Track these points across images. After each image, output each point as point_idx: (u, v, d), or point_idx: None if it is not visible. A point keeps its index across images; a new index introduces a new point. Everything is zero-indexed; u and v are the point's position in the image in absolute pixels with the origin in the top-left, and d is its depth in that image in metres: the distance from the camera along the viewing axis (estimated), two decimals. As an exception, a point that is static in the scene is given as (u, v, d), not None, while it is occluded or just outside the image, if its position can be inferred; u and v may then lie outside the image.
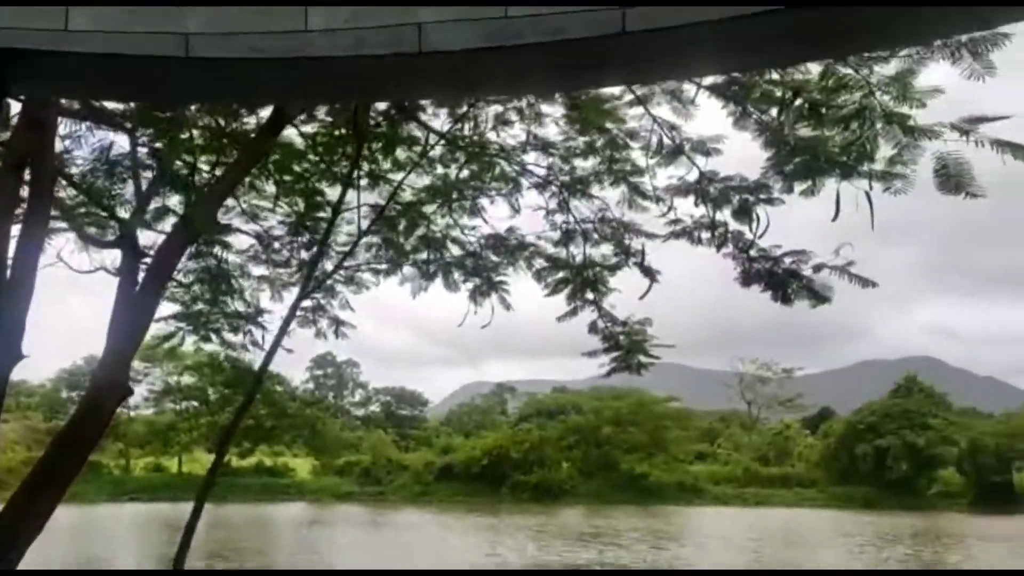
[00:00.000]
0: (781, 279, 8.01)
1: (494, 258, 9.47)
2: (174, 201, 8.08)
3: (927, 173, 6.33)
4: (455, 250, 9.54)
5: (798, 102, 6.81)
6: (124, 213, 7.60)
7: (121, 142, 7.62)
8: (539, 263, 9.42)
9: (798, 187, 7.44)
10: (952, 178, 6.15)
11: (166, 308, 8.74)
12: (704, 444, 79.45)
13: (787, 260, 7.98)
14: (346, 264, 9.11)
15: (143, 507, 47.73)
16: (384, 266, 9.45)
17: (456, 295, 9.60)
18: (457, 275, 9.54)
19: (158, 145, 7.76)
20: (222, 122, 8.07)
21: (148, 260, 7.22)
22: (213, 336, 9.36)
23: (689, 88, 7.23)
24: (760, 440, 74.10)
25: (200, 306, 9.29)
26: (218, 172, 8.20)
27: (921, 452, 61.58)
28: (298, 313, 9.13)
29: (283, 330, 8.36)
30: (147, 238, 7.78)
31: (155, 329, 8.92)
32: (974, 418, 71.07)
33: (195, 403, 65.89)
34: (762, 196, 7.83)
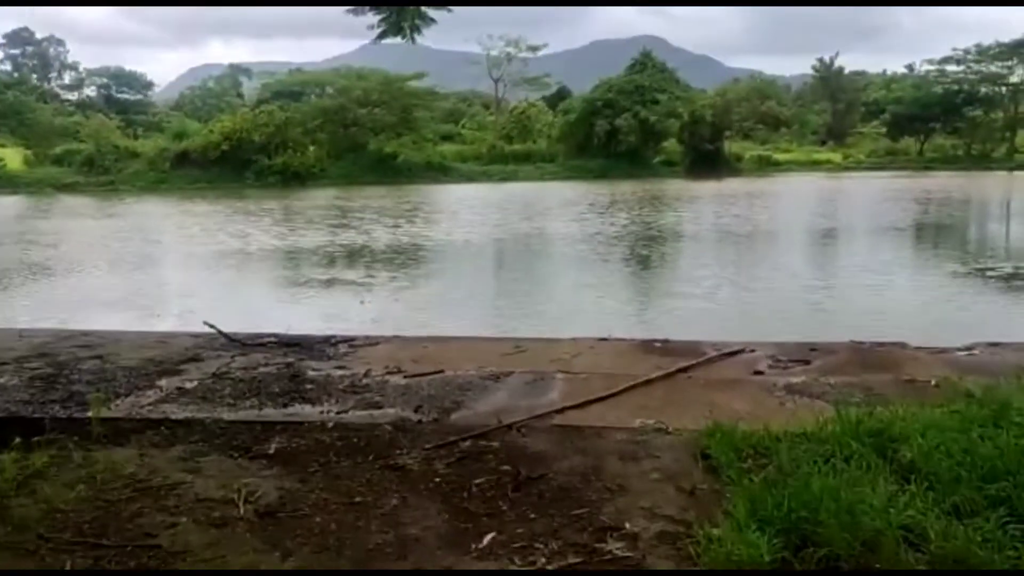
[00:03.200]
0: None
1: None
2: None
3: None
4: None
5: None
6: None
7: None
8: None
9: None
10: None
11: None
12: (449, 125, 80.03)
13: None
14: None
15: None
16: None
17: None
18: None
19: None
20: None
21: None
22: None
23: None
24: (504, 119, 75.57)
25: None
26: None
27: (650, 125, 65.99)
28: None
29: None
30: None
31: None
32: (694, 93, 76.37)
33: None
34: None
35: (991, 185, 50.20)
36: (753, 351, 7.14)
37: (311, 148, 61.72)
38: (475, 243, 24.76)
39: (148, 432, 5.41)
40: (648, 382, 6.19)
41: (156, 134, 66.84)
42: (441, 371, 6.66)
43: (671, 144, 71.37)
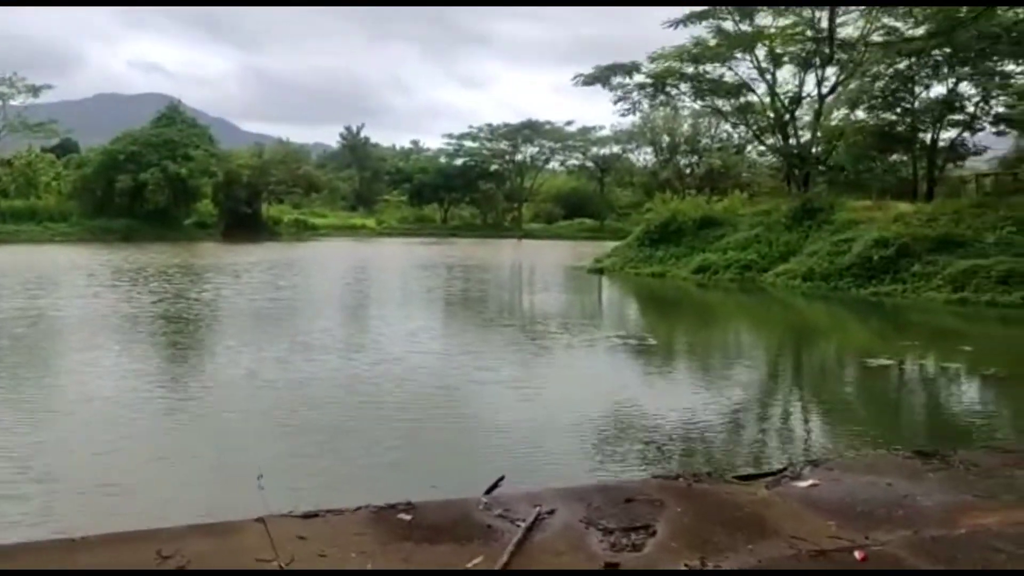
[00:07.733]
0: None
1: None
2: None
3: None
4: None
5: None
6: None
7: None
8: None
9: None
10: None
11: None
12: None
13: None
14: None
15: None
16: None
17: None
18: None
19: None
20: None
21: None
22: None
23: None
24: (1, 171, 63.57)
25: None
26: None
27: (182, 182, 60.53)
28: None
29: None
30: None
31: None
32: (228, 152, 72.65)
33: None
34: None
35: (511, 252, 54.81)
36: (553, 511, 4.81)
37: None
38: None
39: None
40: (470, 620, 3.49)
41: None
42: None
43: (204, 205, 66.45)
